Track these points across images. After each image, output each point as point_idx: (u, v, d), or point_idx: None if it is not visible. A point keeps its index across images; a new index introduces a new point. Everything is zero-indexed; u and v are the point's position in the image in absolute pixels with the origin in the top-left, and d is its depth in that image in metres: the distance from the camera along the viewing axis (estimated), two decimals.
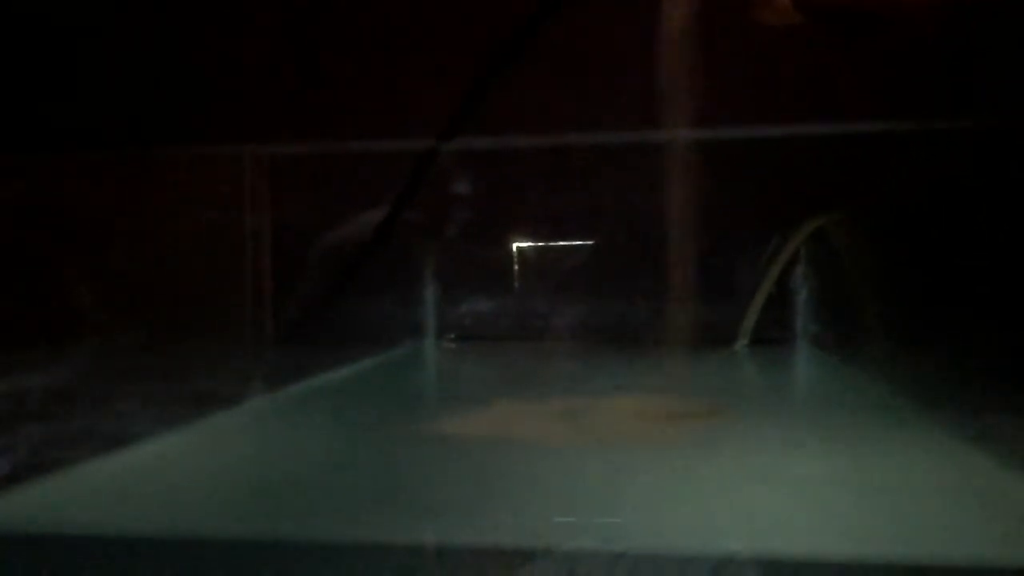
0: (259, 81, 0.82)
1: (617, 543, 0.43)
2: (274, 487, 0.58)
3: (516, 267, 1.23)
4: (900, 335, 0.92)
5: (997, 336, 0.76)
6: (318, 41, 0.85)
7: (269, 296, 0.90)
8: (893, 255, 0.93)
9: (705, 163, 0.98)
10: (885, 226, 0.93)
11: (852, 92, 0.81)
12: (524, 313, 1.21)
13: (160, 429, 0.66)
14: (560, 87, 0.88)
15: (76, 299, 0.66)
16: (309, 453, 0.67)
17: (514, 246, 1.23)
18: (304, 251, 0.99)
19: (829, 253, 1.04)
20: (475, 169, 1.10)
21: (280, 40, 0.83)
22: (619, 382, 0.94)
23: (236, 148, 0.85)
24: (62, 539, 0.48)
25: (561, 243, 1.23)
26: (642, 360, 1.07)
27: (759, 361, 1.08)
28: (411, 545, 0.46)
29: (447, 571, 0.44)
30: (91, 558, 0.47)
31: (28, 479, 0.54)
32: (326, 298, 1.03)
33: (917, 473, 0.58)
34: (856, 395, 0.87)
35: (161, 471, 0.62)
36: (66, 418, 0.60)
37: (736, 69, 0.81)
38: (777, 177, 1.01)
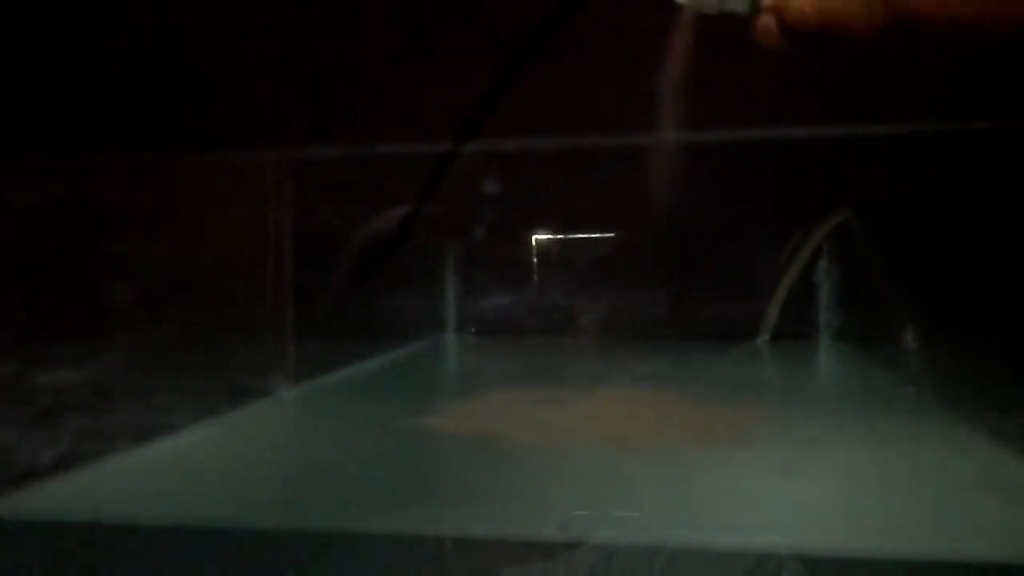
0: (279, 85, 0.83)
1: (654, 537, 0.43)
2: (307, 478, 0.59)
3: (535, 262, 1.23)
4: (923, 330, 0.92)
5: (1020, 333, 0.76)
6: (335, 45, 0.86)
7: (291, 293, 0.91)
8: (916, 250, 0.92)
9: (725, 164, 0.98)
10: (908, 221, 0.93)
11: (868, 94, 0.81)
12: (543, 308, 1.22)
13: (197, 421, 0.68)
14: (579, 87, 0.88)
15: (106, 298, 0.67)
16: (338, 445, 0.68)
17: (534, 240, 1.23)
18: (326, 250, 1.00)
19: (852, 248, 1.04)
20: (495, 167, 1.10)
21: (297, 43, 0.84)
22: (640, 376, 0.94)
23: (259, 155, 0.85)
24: (100, 528, 0.50)
25: (580, 237, 1.23)
26: (663, 355, 1.08)
27: (781, 356, 1.08)
28: (441, 536, 0.46)
29: (480, 562, 0.45)
30: (128, 547, 0.48)
31: (69, 469, 0.55)
32: (349, 295, 1.04)
33: (940, 469, 0.59)
34: (878, 391, 0.87)
35: (198, 462, 0.63)
36: (105, 411, 0.61)
37: (754, 69, 0.81)
38: (795, 177, 1.00)
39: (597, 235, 1.21)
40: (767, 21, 0.42)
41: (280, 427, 0.77)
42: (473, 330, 1.22)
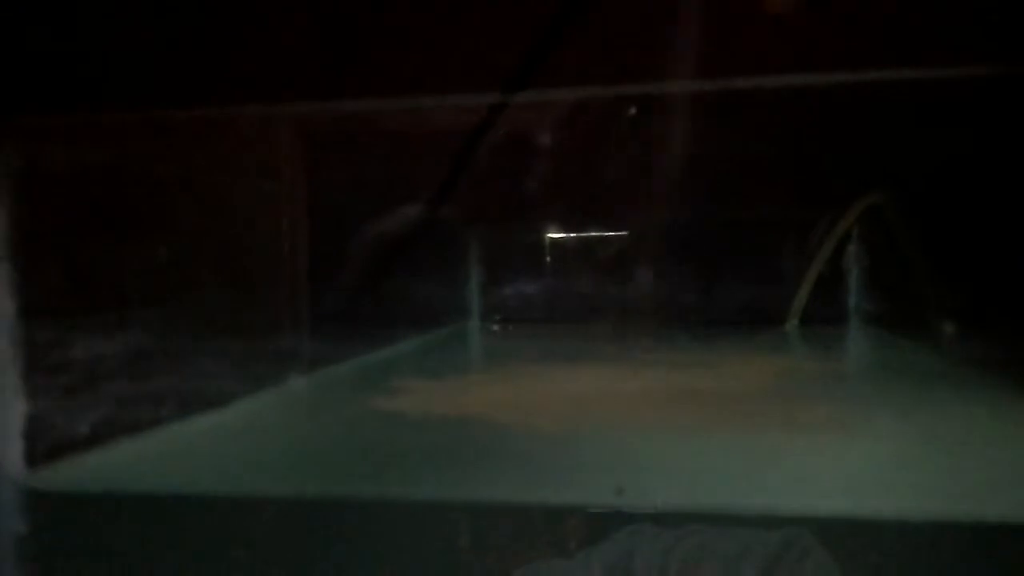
0: (293, 45, 0.81)
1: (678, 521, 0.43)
2: (353, 450, 0.60)
3: (550, 253, 1.23)
4: (955, 311, 0.91)
5: None
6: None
7: (306, 272, 0.89)
8: (946, 230, 0.91)
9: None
10: (938, 200, 0.92)
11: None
12: (566, 296, 1.21)
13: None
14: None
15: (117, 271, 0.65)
16: (370, 421, 0.68)
17: (549, 236, 1.23)
18: (346, 226, 0.99)
19: (882, 231, 1.03)
20: (516, 155, 1.10)
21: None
22: (673, 361, 0.94)
23: (270, 108, 0.82)
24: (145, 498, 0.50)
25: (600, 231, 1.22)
26: (694, 340, 1.07)
27: (811, 339, 1.08)
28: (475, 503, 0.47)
29: (501, 536, 0.45)
30: (174, 516, 0.48)
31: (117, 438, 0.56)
32: (371, 282, 1.03)
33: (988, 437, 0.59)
34: (915, 369, 0.87)
35: (239, 434, 0.64)
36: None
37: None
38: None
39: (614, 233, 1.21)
40: None
41: (319, 403, 0.79)
42: (498, 318, 1.22)
